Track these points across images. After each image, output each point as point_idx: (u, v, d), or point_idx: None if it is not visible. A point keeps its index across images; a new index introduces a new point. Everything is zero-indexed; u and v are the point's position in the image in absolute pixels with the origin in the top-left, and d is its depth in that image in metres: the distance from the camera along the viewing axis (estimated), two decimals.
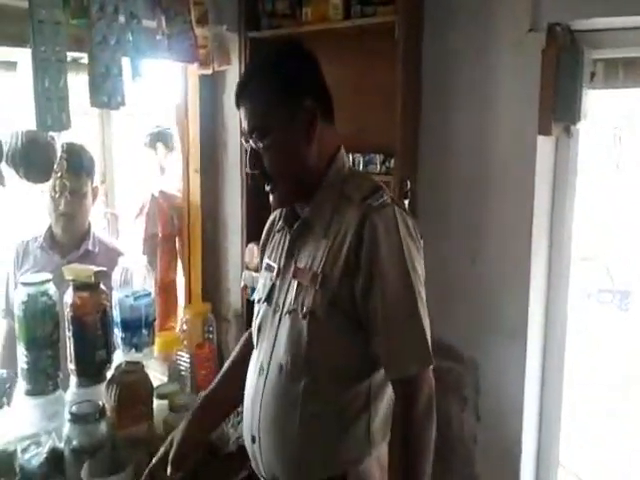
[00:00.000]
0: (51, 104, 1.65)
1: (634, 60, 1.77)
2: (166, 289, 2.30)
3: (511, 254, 1.77)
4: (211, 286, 2.33)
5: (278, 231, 1.41)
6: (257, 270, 2.12)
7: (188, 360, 2.07)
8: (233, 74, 2.20)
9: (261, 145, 1.23)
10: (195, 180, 2.33)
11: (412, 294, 1.18)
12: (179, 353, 2.10)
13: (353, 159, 1.89)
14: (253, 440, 1.31)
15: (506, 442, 1.81)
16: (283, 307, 1.28)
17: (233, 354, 1.57)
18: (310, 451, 1.25)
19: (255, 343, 1.38)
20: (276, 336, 1.28)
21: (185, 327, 2.15)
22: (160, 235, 2.33)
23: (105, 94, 1.78)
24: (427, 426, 1.18)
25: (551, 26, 1.65)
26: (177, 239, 2.39)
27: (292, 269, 1.29)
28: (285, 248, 1.34)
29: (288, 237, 1.34)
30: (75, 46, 1.79)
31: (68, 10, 1.72)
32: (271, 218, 1.50)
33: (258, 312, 1.39)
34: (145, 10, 1.86)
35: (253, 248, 2.16)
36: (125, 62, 1.81)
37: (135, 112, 3.37)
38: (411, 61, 1.84)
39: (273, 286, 1.34)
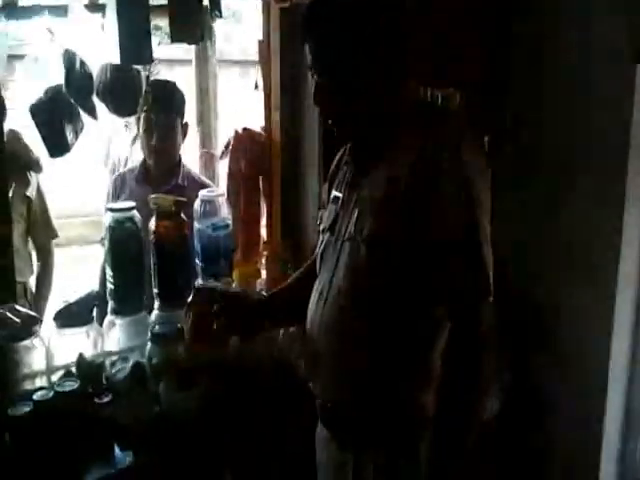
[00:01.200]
0: (134, 39, 1.72)
1: None
2: (249, 224, 2.36)
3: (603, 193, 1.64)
4: (290, 223, 2.37)
5: (345, 164, 1.43)
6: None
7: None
8: None
9: (327, 84, 1.24)
10: (276, 118, 2.34)
11: (474, 225, 1.16)
12: (260, 286, 2.17)
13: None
14: (312, 362, 1.37)
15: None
16: (345, 235, 1.30)
17: (297, 273, 1.65)
18: (365, 375, 1.27)
19: (318, 270, 1.41)
20: (337, 263, 1.31)
21: (264, 262, 2.22)
22: (243, 171, 2.38)
23: (185, 29, 1.83)
24: (480, 360, 1.16)
25: None
26: (260, 177, 2.43)
27: (354, 199, 1.30)
28: (350, 179, 1.35)
29: (353, 169, 1.35)
30: None
31: None
32: (339, 154, 1.51)
33: (321, 241, 1.42)
34: None
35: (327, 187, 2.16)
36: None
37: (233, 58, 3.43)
38: None
39: (337, 215, 1.36)
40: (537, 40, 1.73)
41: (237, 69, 4.89)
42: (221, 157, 2.52)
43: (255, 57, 2.42)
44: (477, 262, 1.16)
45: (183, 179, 2.33)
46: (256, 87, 2.52)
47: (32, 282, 2.47)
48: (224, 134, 3.05)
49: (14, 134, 2.15)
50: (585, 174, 1.70)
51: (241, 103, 3.98)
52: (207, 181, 2.51)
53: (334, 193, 1.43)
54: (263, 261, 2.23)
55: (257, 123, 2.41)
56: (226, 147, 2.52)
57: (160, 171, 2.31)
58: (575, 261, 1.73)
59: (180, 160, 2.37)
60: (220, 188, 2.40)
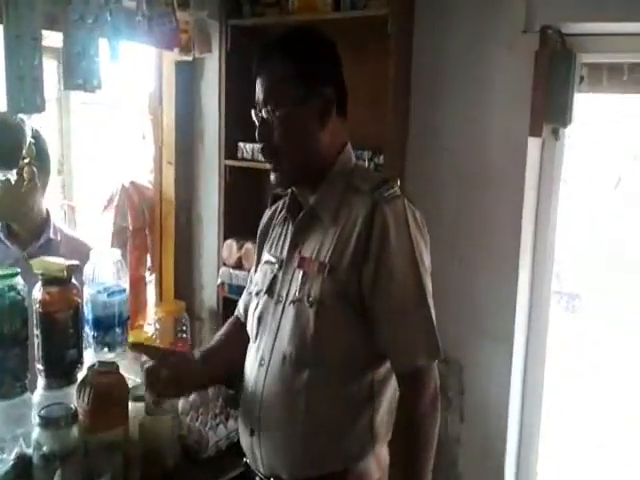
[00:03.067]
0: (24, 85, 1.54)
1: (619, 65, 1.81)
2: (136, 285, 2.20)
3: (499, 255, 1.77)
4: (184, 283, 2.25)
5: (278, 224, 1.39)
6: (236, 267, 2.08)
7: None
8: (212, 62, 2.13)
9: (274, 116, 1.21)
10: (169, 172, 2.24)
11: (421, 285, 1.18)
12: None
13: None
14: (252, 433, 1.28)
15: (489, 442, 1.81)
16: (287, 297, 1.25)
17: (219, 333, 1.54)
18: (313, 444, 1.22)
19: (254, 335, 1.34)
20: (278, 327, 1.25)
21: (157, 325, 2.06)
22: (130, 228, 2.22)
23: (80, 76, 1.69)
24: (432, 421, 1.17)
25: (544, 28, 1.66)
26: (148, 233, 2.28)
27: (297, 259, 1.27)
28: (288, 239, 1.32)
29: (291, 228, 1.32)
30: (49, 24, 1.69)
31: None
32: (268, 213, 1.47)
33: (257, 304, 1.35)
34: None
35: (232, 244, 2.09)
36: (103, 44, 1.72)
37: (92, 100, 3.22)
38: (403, 56, 1.81)
39: (275, 277, 1.31)
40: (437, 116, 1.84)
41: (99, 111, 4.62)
42: (103, 211, 2.34)
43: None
44: (428, 322, 1.18)
45: (55, 234, 2.10)
46: (144, 138, 2.40)
47: None
48: (84, 184, 2.83)
49: None
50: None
51: (105, 149, 3.78)
52: (78, 235, 2.29)
53: (267, 255, 1.38)
54: (157, 325, 2.07)
55: (127, 174, 2.28)
56: (109, 200, 2.35)
57: (27, 227, 2.06)
58: (478, 323, 1.83)
59: (48, 213, 2.13)
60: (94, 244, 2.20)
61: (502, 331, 1.78)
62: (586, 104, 1.91)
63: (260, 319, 1.32)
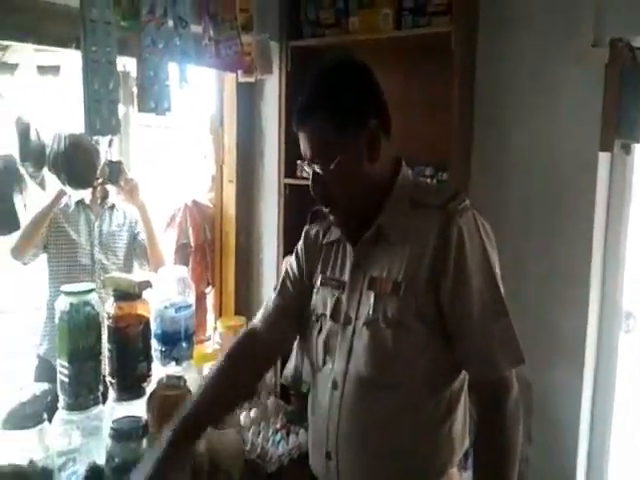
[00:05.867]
0: (100, 107, 1.60)
1: None
2: (198, 301, 2.23)
3: (569, 273, 1.73)
4: (244, 298, 2.28)
5: (327, 244, 1.37)
6: None
7: None
8: (273, 82, 2.17)
9: (325, 170, 1.20)
10: (229, 190, 2.28)
11: (499, 295, 1.17)
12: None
13: None
14: (328, 456, 1.26)
15: (559, 463, 1.76)
16: (357, 319, 1.23)
17: (215, 370, 1.41)
18: (397, 463, 1.21)
19: (321, 361, 1.32)
20: (350, 349, 1.23)
21: (219, 340, 2.09)
22: (192, 245, 2.27)
23: (152, 99, 1.74)
24: (515, 429, 1.15)
25: (613, 42, 1.63)
26: (208, 250, 2.33)
27: (364, 280, 1.25)
28: (349, 260, 1.29)
29: (350, 248, 1.30)
30: (122, 50, 1.75)
31: (118, 11, 1.68)
32: (312, 232, 1.43)
33: (320, 329, 1.33)
34: (192, 15, 1.82)
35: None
36: (172, 68, 1.78)
37: (152, 123, 3.33)
38: (466, 72, 1.81)
39: (338, 301, 1.29)
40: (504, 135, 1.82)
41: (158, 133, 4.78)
42: (166, 229, 2.40)
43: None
44: (510, 330, 1.17)
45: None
46: (205, 157, 2.46)
47: None
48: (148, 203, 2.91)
49: None
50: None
51: (166, 169, 3.89)
52: None
53: (323, 277, 1.35)
54: (218, 339, 2.09)
55: (188, 193, 2.33)
56: (171, 219, 2.41)
57: None
58: (547, 341, 1.79)
59: None
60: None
61: (573, 350, 1.74)
62: None
63: (326, 344, 1.30)
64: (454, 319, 1.16)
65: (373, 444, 1.22)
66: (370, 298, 1.22)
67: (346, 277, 1.29)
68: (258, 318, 1.46)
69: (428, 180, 1.83)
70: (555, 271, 1.76)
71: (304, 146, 1.23)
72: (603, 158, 1.71)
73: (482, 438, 1.17)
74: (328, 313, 1.30)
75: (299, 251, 1.45)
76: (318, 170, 1.21)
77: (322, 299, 1.34)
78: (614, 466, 1.92)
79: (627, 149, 1.71)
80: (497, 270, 1.19)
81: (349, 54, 1.31)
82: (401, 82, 1.95)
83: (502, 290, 1.18)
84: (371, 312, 1.21)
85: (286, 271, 1.47)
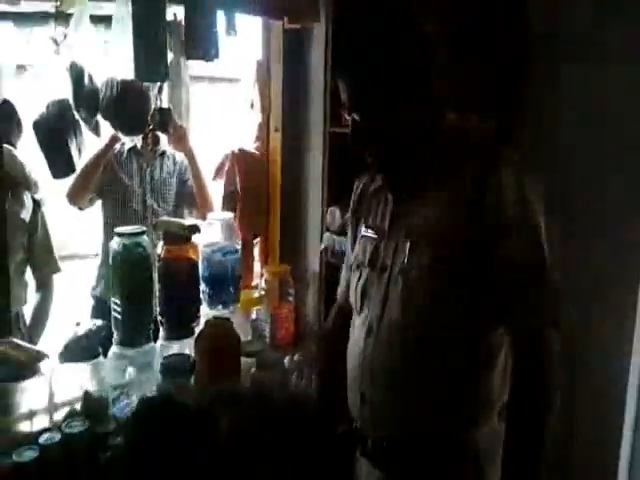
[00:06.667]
0: (149, 53, 1.63)
1: None
2: (244, 247, 2.28)
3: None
4: (289, 247, 2.31)
5: (372, 195, 1.38)
6: (340, 233, 2.12)
7: (268, 319, 2.07)
8: (319, 30, 2.13)
9: (362, 121, 1.20)
10: (275, 139, 2.29)
11: (542, 246, 1.14)
12: (259, 312, 2.10)
13: None
14: (362, 398, 1.30)
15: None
16: (392, 267, 1.25)
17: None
18: (430, 410, 1.23)
19: (359, 307, 1.35)
20: (387, 296, 1.26)
21: (265, 286, 2.15)
22: (239, 193, 2.31)
23: (201, 47, 1.76)
24: (552, 387, 1.14)
25: None
26: (255, 198, 2.36)
27: (403, 229, 1.25)
28: (389, 208, 1.31)
29: (390, 197, 1.31)
30: None
31: None
32: (359, 183, 1.46)
33: (359, 277, 1.36)
34: None
35: (335, 211, 2.12)
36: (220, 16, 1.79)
37: (205, 75, 3.33)
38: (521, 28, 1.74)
39: (376, 248, 1.31)
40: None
41: (205, 84, 4.81)
42: (214, 178, 2.44)
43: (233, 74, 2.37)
44: (550, 284, 1.15)
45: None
46: (252, 107, 2.47)
47: (25, 310, 2.28)
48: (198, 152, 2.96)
49: (8, 152, 1.98)
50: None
51: (213, 120, 3.92)
52: None
53: (366, 228, 1.37)
54: (264, 286, 2.15)
55: (235, 141, 2.36)
56: (219, 168, 2.44)
57: None
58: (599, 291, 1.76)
59: None
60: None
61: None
62: None
63: (364, 291, 1.33)
64: (493, 267, 1.15)
65: (405, 390, 1.24)
66: (406, 247, 1.22)
67: (386, 225, 1.31)
68: (338, 294, 1.55)
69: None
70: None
71: (343, 94, 1.22)
72: None
73: (516, 395, 1.16)
74: (366, 260, 1.33)
75: (351, 204, 1.48)
76: (356, 117, 1.21)
77: (363, 247, 1.36)
78: None
79: None
80: (542, 226, 1.15)
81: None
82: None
83: (544, 244, 1.14)
84: (406, 260, 1.22)
85: (347, 236, 1.50)
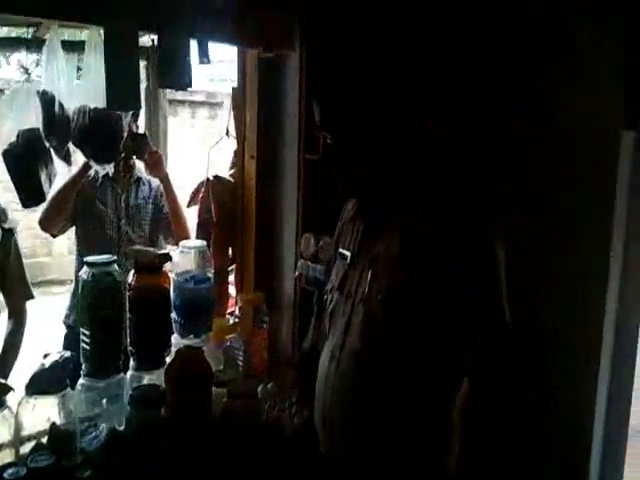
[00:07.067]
0: (123, 82, 1.63)
1: None
2: (218, 275, 2.27)
3: (585, 266, 1.71)
4: (264, 274, 2.30)
5: (350, 220, 1.39)
6: (314, 260, 2.12)
7: (242, 347, 2.05)
8: (294, 58, 2.16)
9: (333, 142, 1.23)
10: (251, 166, 2.30)
11: (495, 280, 1.16)
12: (232, 340, 2.08)
13: None
14: (324, 424, 1.31)
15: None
16: (356, 295, 1.26)
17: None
18: (382, 435, 1.23)
19: (327, 331, 1.37)
20: (349, 324, 1.26)
21: (239, 313, 2.13)
22: (214, 220, 2.30)
23: (173, 75, 1.76)
24: (491, 420, 1.15)
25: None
26: (230, 225, 2.35)
27: (368, 256, 1.27)
28: (359, 236, 1.32)
29: (362, 225, 1.31)
30: (143, 25, 1.77)
31: None
32: (344, 209, 1.49)
33: (330, 300, 1.38)
34: None
35: (309, 238, 2.12)
36: (193, 45, 1.79)
37: (185, 99, 3.37)
38: None
39: (346, 274, 1.32)
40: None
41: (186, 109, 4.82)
42: (189, 205, 2.43)
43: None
44: (499, 319, 1.16)
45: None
46: (227, 133, 2.47)
47: None
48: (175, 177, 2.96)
49: None
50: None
51: (192, 145, 3.93)
52: None
53: (340, 250, 1.40)
54: (238, 313, 2.14)
55: (211, 168, 2.36)
56: (194, 195, 2.44)
57: None
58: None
59: None
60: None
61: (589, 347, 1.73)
62: None
63: (332, 315, 1.35)
64: (449, 302, 1.16)
65: (362, 419, 1.24)
66: (368, 275, 1.24)
67: (355, 252, 1.32)
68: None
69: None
70: (570, 260, 1.74)
71: (316, 114, 1.27)
72: (628, 138, 1.67)
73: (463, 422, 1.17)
74: (336, 285, 1.35)
75: (336, 229, 1.51)
76: (328, 140, 1.23)
77: (336, 271, 1.39)
78: None
79: None
80: (499, 254, 1.17)
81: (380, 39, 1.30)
82: None
83: (501, 275, 1.16)
84: (366, 289, 1.23)
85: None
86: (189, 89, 1.78)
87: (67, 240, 2.44)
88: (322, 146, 1.26)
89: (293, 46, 2.11)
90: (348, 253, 1.35)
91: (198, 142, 3.56)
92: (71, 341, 2.26)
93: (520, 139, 1.74)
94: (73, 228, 2.44)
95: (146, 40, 2.27)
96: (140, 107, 1.66)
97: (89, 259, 1.65)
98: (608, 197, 1.68)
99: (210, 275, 1.88)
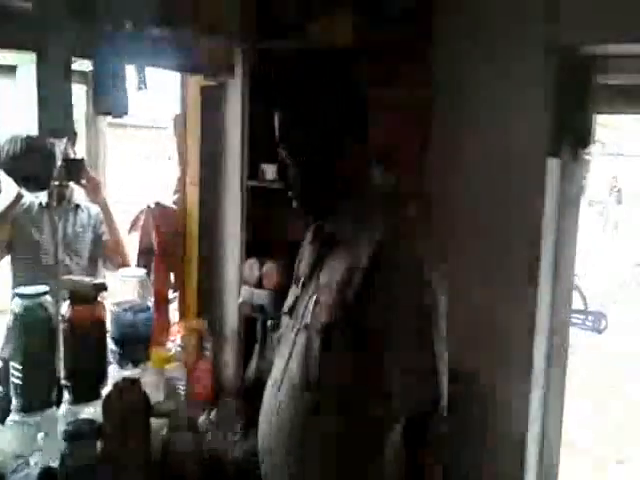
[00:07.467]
0: (55, 109, 1.60)
1: (637, 87, 1.82)
2: (159, 303, 2.23)
3: (518, 276, 1.76)
4: (207, 301, 2.28)
5: (310, 242, 1.37)
6: (258, 286, 2.11)
7: (183, 377, 2.01)
8: (236, 85, 2.18)
9: (289, 158, 1.22)
10: (193, 193, 2.29)
11: (427, 325, 1.11)
12: (174, 370, 2.04)
13: None
14: (264, 453, 1.27)
15: (507, 466, 1.82)
16: (301, 322, 1.23)
17: None
18: (313, 472, 1.19)
19: (275, 356, 1.33)
20: (292, 351, 1.24)
21: (180, 343, 2.09)
22: (155, 248, 2.26)
23: (109, 101, 1.74)
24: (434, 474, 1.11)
25: (563, 50, 1.67)
26: (172, 252, 2.32)
27: (314, 284, 1.25)
28: (311, 262, 1.30)
29: (315, 252, 1.30)
30: (78, 51, 1.75)
31: (74, 12, 1.68)
32: (306, 234, 1.43)
33: (281, 324, 1.36)
34: (152, 17, 1.83)
35: (253, 263, 2.12)
36: (130, 70, 1.78)
37: (127, 123, 3.33)
38: (423, 78, 1.84)
39: (297, 299, 1.30)
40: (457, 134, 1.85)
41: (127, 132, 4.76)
42: (129, 232, 2.39)
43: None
44: (429, 370, 1.11)
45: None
46: (169, 159, 2.46)
47: None
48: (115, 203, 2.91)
49: None
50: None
51: (133, 170, 3.88)
52: None
53: (297, 274, 1.37)
54: (180, 342, 2.10)
55: (153, 195, 2.33)
56: (135, 221, 2.40)
57: None
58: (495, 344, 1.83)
59: None
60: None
61: (520, 353, 1.78)
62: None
63: (280, 341, 1.32)
64: (378, 342, 1.11)
65: (293, 449, 1.19)
66: (312, 303, 1.21)
67: (306, 278, 1.30)
68: None
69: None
70: (505, 273, 1.80)
71: (276, 128, 1.23)
72: (554, 164, 1.75)
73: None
74: (287, 309, 1.32)
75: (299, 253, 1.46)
76: (283, 156, 1.22)
77: (291, 294, 1.35)
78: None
79: (575, 155, 1.75)
80: (437, 299, 1.13)
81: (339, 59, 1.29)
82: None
83: (436, 321, 1.12)
84: (309, 317, 1.20)
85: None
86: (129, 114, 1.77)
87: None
88: (280, 163, 1.25)
89: (232, 74, 2.13)
90: (301, 278, 1.31)
91: (140, 168, 3.50)
92: (7, 375, 2.17)
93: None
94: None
95: (87, 65, 2.24)
96: (74, 133, 1.63)
97: (20, 290, 1.60)
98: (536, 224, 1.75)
99: (150, 304, 1.84)
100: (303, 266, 1.34)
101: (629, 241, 9.27)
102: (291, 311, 1.30)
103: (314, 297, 1.22)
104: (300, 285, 1.31)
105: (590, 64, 1.73)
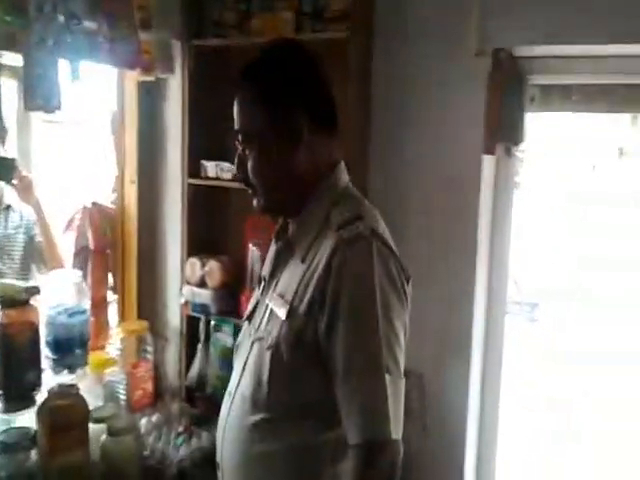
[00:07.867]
0: None
1: (568, 86, 1.90)
2: (97, 305, 2.17)
3: (457, 267, 1.81)
4: (147, 302, 2.23)
5: (274, 244, 1.28)
6: (200, 285, 2.08)
7: (123, 380, 1.96)
8: (175, 82, 2.14)
9: (244, 147, 1.16)
10: (131, 191, 2.23)
11: (377, 345, 1.02)
12: (113, 373, 1.98)
13: None
14: (218, 465, 1.23)
15: (450, 450, 1.86)
16: (256, 332, 1.17)
17: None
18: None
19: (234, 361, 1.27)
20: (245, 362, 1.18)
21: (120, 345, 2.04)
22: (92, 249, 2.19)
23: (41, 97, 1.68)
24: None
25: (496, 51, 1.72)
26: (110, 253, 2.26)
27: (271, 292, 1.18)
28: (272, 266, 1.23)
29: (277, 254, 1.23)
30: (8, 45, 1.68)
31: (2, 6, 1.61)
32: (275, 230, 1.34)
33: (242, 330, 1.29)
34: (86, 11, 1.77)
35: (195, 262, 2.09)
36: (63, 64, 1.72)
37: (61, 120, 3.20)
38: (362, 78, 1.85)
39: (257, 303, 1.24)
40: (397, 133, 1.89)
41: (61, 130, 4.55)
42: (64, 232, 2.31)
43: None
44: (379, 392, 1.02)
45: None
46: (106, 158, 2.38)
47: None
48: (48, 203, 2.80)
49: None
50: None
51: (67, 168, 3.73)
52: None
53: (261, 274, 1.30)
54: (119, 345, 2.04)
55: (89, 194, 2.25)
56: (70, 222, 2.32)
57: None
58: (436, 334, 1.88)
59: None
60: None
61: (461, 343, 1.83)
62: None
63: (238, 348, 1.27)
64: (328, 359, 1.06)
65: (244, 462, 1.16)
66: (267, 313, 1.16)
67: (266, 282, 1.24)
68: None
69: None
70: (443, 265, 1.84)
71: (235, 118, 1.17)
72: (489, 160, 1.81)
73: None
74: (247, 315, 1.27)
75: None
76: (240, 148, 1.17)
77: (252, 300, 1.29)
78: (503, 450, 2.04)
79: (509, 151, 1.82)
80: (392, 315, 1.05)
81: (298, 44, 1.24)
82: None
83: (389, 340, 1.03)
84: (263, 329, 1.15)
85: None
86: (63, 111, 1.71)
87: None
88: (237, 157, 1.18)
89: (172, 70, 2.08)
90: (263, 280, 1.25)
91: (75, 166, 3.37)
92: None
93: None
94: None
95: (18, 59, 2.14)
96: (3, 130, 1.56)
97: None
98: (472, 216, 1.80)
99: (86, 307, 1.78)
100: (265, 269, 1.27)
101: (575, 239, 9.66)
102: (250, 318, 1.24)
103: (269, 307, 1.16)
104: (261, 289, 1.24)
105: (523, 65, 1.79)
